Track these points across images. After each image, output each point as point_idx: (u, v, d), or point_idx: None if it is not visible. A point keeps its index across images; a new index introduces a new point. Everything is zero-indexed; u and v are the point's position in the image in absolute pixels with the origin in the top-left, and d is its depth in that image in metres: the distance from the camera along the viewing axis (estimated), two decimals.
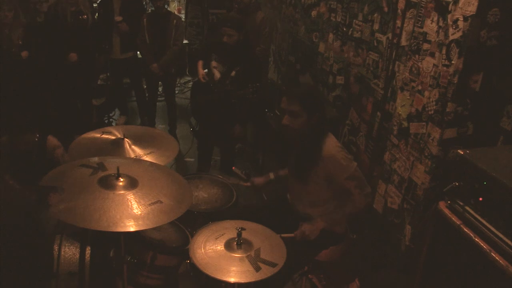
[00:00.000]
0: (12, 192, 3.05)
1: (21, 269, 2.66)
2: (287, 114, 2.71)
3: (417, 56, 3.04)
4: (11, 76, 4.19)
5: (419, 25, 3.03)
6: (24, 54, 4.38)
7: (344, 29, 4.23)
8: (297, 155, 2.83)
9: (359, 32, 3.96)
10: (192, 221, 2.94)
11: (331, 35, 4.50)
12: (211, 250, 2.26)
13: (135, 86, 5.79)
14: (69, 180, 2.14)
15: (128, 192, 2.11)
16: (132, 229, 1.92)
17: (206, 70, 4.29)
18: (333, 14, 4.46)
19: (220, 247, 2.27)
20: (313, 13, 4.90)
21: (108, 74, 5.75)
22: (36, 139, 3.33)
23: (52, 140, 3.48)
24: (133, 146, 2.85)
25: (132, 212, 1.99)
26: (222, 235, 2.33)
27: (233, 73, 4.05)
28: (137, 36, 5.19)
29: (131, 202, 2.05)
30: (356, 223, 3.06)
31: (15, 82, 4.20)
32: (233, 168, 3.27)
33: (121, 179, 2.16)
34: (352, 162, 2.72)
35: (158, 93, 5.93)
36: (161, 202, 2.09)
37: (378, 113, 3.63)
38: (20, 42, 4.30)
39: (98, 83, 5.80)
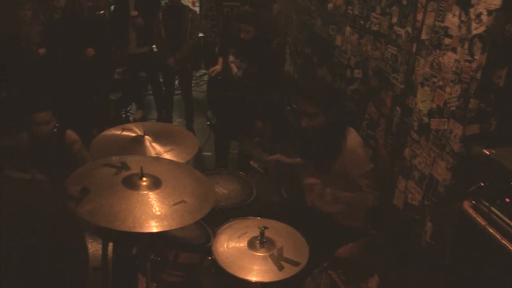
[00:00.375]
0: (41, 188, 3.08)
1: (49, 265, 2.71)
2: (305, 116, 2.72)
3: (438, 51, 3.00)
4: (30, 74, 4.23)
5: (440, 19, 2.98)
6: (41, 51, 4.41)
7: (362, 22, 4.18)
8: (319, 150, 2.84)
9: (377, 25, 3.92)
10: (212, 218, 2.95)
11: (348, 28, 4.46)
12: (233, 248, 2.28)
13: (152, 80, 5.82)
14: (94, 180, 2.17)
15: (152, 192, 2.12)
16: (156, 230, 1.94)
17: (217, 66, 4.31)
18: (350, 6, 4.41)
19: (242, 245, 2.29)
20: (329, 5, 4.86)
21: (125, 68, 5.78)
22: (54, 127, 3.32)
23: (70, 134, 3.51)
24: (153, 144, 2.87)
25: (156, 213, 2.01)
26: (245, 233, 2.34)
27: (244, 66, 4.07)
28: (152, 30, 5.20)
29: (155, 202, 2.06)
30: (376, 218, 3.06)
31: (34, 80, 4.23)
32: (251, 162, 3.29)
33: (145, 179, 2.18)
34: (369, 162, 2.75)
35: (175, 86, 5.96)
36: (185, 202, 2.11)
37: (398, 108, 3.60)
38: (38, 40, 4.34)
39: (115, 77, 5.83)
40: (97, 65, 4.91)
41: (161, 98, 5.85)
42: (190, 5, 7.65)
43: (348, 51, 4.47)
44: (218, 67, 4.30)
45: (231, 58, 4.19)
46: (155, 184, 2.18)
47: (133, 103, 6.18)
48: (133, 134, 2.94)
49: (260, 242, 2.26)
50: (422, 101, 3.18)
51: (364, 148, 2.74)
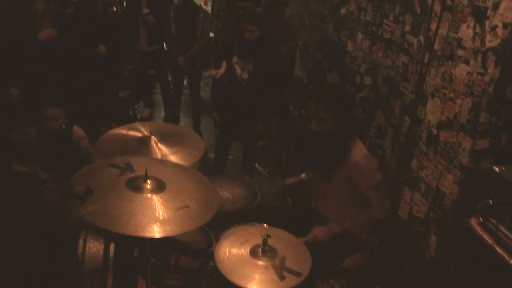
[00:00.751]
0: (43, 186, 3.09)
1: (47, 264, 2.70)
2: (315, 119, 2.69)
3: (450, 62, 2.96)
4: (39, 66, 4.23)
5: (454, 30, 2.94)
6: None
7: (374, 29, 4.15)
8: (324, 155, 2.82)
9: (389, 33, 3.88)
10: (215, 222, 2.93)
11: (360, 34, 4.43)
12: (235, 255, 2.26)
13: (161, 78, 5.81)
14: (98, 180, 2.15)
15: (155, 196, 2.10)
16: (158, 235, 1.91)
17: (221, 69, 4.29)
18: (362, 12, 4.38)
19: (245, 252, 2.26)
20: (342, 10, 4.82)
21: (134, 66, 5.77)
22: (63, 124, 3.32)
23: (77, 130, 3.51)
24: (159, 144, 2.86)
25: (159, 217, 1.99)
26: (248, 240, 2.32)
27: (250, 67, 4.05)
28: (164, 28, 5.19)
29: (158, 206, 2.04)
30: (380, 228, 3.03)
31: (44, 74, 4.24)
32: (256, 165, 3.27)
33: (149, 182, 2.16)
34: (377, 173, 2.72)
35: (183, 86, 5.95)
36: (188, 207, 2.09)
37: (407, 118, 3.56)
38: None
39: (124, 75, 5.83)
40: (107, 61, 4.90)
41: (169, 97, 5.84)
42: (202, 4, 7.64)
43: (359, 57, 4.44)
44: (221, 70, 4.28)
45: (235, 59, 4.17)
46: (159, 187, 2.16)
47: (141, 101, 6.18)
48: (139, 134, 2.92)
49: (262, 250, 2.23)
50: (432, 112, 3.14)
51: (370, 160, 2.71)
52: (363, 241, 2.93)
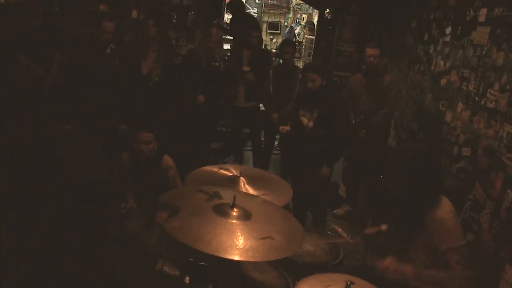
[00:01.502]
0: (129, 216, 3.18)
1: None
2: (390, 181, 2.62)
3: None
4: (144, 104, 4.53)
5: None
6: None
7: (476, 99, 4.00)
8: (403, 214, 2.69)
9: (494, 102, 3.72)
10: (294, 271, 2.84)
11: (460, 104, 4.28)
12: None
13: (254, 136, 5.94)
14: (186, 202, 2.18)
15: (240, 223, 2.08)
16: (239, 258, 1.87)
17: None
18: (464, 82, 4.26)
19: None
20: (443, 81, 4.73)
21: (229, 121, 5.99)
22: (154, 149, 3.43)
23: (167, 159, 3.62)
24: (247, 185, 2.87)
25: (242, 242, 1.96)
26: (329, 286, 2.20)
27: (315, 115, 4.09)
28: (261, 87, 5.38)
29: (242, 233, 2.01)
30: None
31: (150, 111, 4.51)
32: (340, 230, 3.17)
33: (236, 209, 2.16)
34: (461, 237, 2.53)
35: (275, 146, 6.03)
36: (272, 238, 2.04)
37: (509, 191, 3.31)
38: (156, 79, 4.67)
39: (219, 128, 6.05)
40: (205, 112, 5.13)
41: (259, 155, 5.94)
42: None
43: (457, 128, 4.27)
44: (287, 127, 4.40)
45: (300, 112, 4.22)
46: (245, 216, 2.15)
47: (232, 155, 6.33)
48: (229, 174, 2.97)
49: None
50: None
51: (457, 220, 2.53)
52: None
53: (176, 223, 1.97)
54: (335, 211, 5.39)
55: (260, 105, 5.78)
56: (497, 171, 3.51)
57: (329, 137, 4.09)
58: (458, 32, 4.54)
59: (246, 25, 5.62)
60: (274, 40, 9.52)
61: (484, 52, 3.97)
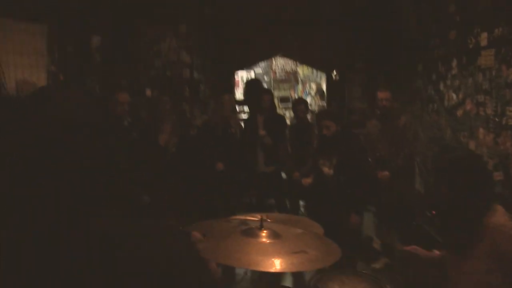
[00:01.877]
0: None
1: None
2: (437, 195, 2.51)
3: None
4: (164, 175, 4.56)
5: None
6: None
7: (496, 120, 3.95)
8: (455, 229, 2.52)
9: None
10: None
11: (481, 130, 4.22)
12: None
13: (279, 205, 5.80)
14: (214, 229, 2.12)
15: (271, 241, 2.00)
16: (274, 270, 1.77)
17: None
18: (481, 108, 4.23)
19: None
20: (459, 112, 4.71)
21: (253, 191, 5.92)
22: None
23: (195, 234, 3.55)
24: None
25: (274, 256, 1.86)
26: None
27: (334, 162, 4.03)
28: (279, 149, 5.40)
29: (273, 248, 1.92)
30: None
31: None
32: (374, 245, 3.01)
33: (265, 231, 2.08)
34: None
35: (300, 213, 5.90)
36: (306, 252, 1.94)
37: None
38: (174, 150, 4.74)
39: (245, 200, 5.98)
40: (226, 180, 5.13)
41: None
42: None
43: (484, 154, 4.17)
44: (309, 180, 4.35)
45: (320, 162, 4.18)
46: (275, 236, 2.06)
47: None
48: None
49: None
50: None
51: None
52: None
53: (206, 245, 1.90)
54: (373, 265, 5.14)
55: (281, 171, 5.73)
56: None
57: (351, 182, 4.01)
58: (464, 62, 4.59)
59: (257, 91, 5.76)
60: (287, 114, 9.73)
61: (494, 73, 3.99)
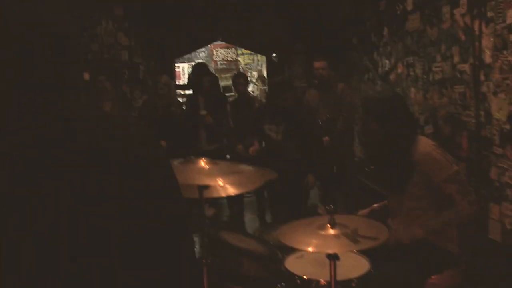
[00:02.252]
0: None
1: None
2: (364, 133, 2.65)
3: (504, 52, 2.89)
4: None
5: (501, 20, 2.92)
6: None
7: (425, 77, 4.17)
8: (390, 168, 2.66)
9: (440, 73, 3.88)
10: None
11: (412, 89, 4.44)
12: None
13: None
14: None
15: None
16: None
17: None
18: (411, 69, 4.45)
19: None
20: (392, 77, 4.93)
21: None
22: None
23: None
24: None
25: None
26: None
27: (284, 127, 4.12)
28: (221, 127, 5.43)
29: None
30: (467, 240, 2.67)
31: None
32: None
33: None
34: (452, 164, 2.46)
35: None
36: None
37: (474, 144, 3.37)
38: None
39: None
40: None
41: (232, 198, 5.83)
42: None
43: (415, 112, 4.38)
44: (255, 147, 4.44)
45: (266, 127, 4.27)
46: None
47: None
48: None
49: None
50: (499, 110, 2.97)
51: (441, 150, 2.49)
52: (452, 255, 2.56)
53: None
54: None
55: (224, 149, 5.76)
56: (460, 131, 3.59)
57: (302, 147, 4.09)
58: (394, 28, 4.82)
59: (200, 73, 5.75)
60: None
61: (420, 34, 4.22)
